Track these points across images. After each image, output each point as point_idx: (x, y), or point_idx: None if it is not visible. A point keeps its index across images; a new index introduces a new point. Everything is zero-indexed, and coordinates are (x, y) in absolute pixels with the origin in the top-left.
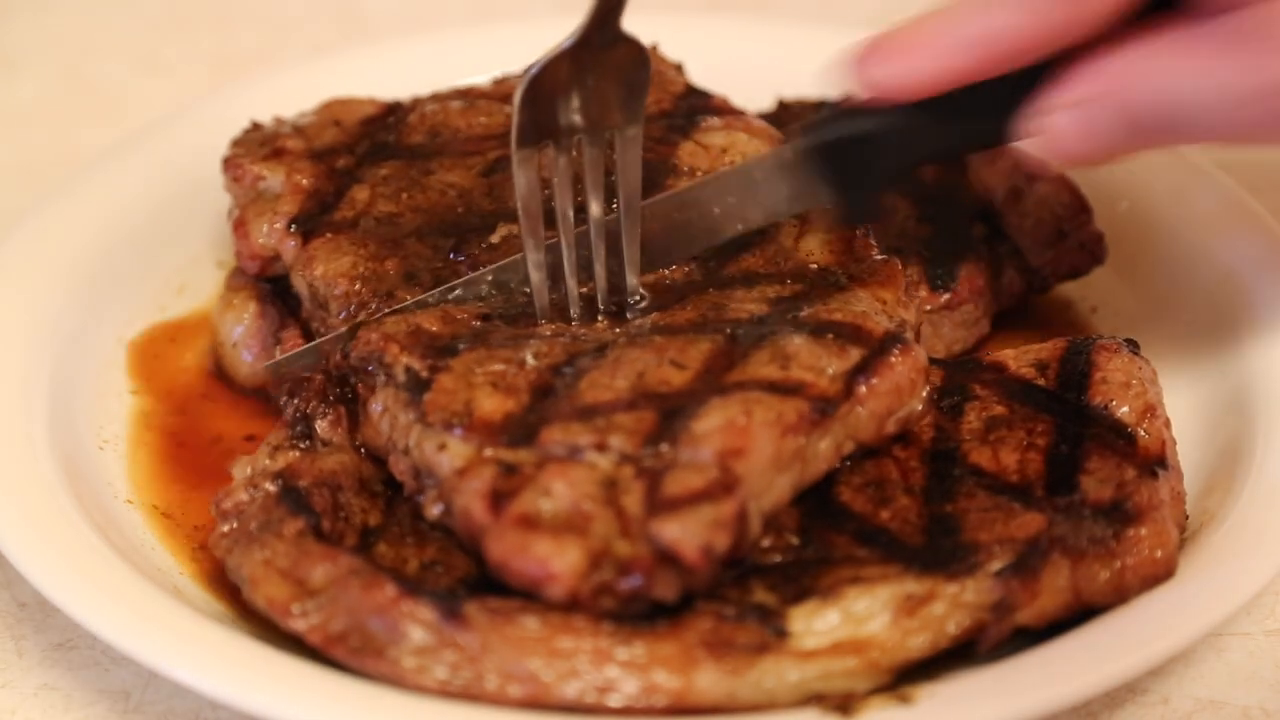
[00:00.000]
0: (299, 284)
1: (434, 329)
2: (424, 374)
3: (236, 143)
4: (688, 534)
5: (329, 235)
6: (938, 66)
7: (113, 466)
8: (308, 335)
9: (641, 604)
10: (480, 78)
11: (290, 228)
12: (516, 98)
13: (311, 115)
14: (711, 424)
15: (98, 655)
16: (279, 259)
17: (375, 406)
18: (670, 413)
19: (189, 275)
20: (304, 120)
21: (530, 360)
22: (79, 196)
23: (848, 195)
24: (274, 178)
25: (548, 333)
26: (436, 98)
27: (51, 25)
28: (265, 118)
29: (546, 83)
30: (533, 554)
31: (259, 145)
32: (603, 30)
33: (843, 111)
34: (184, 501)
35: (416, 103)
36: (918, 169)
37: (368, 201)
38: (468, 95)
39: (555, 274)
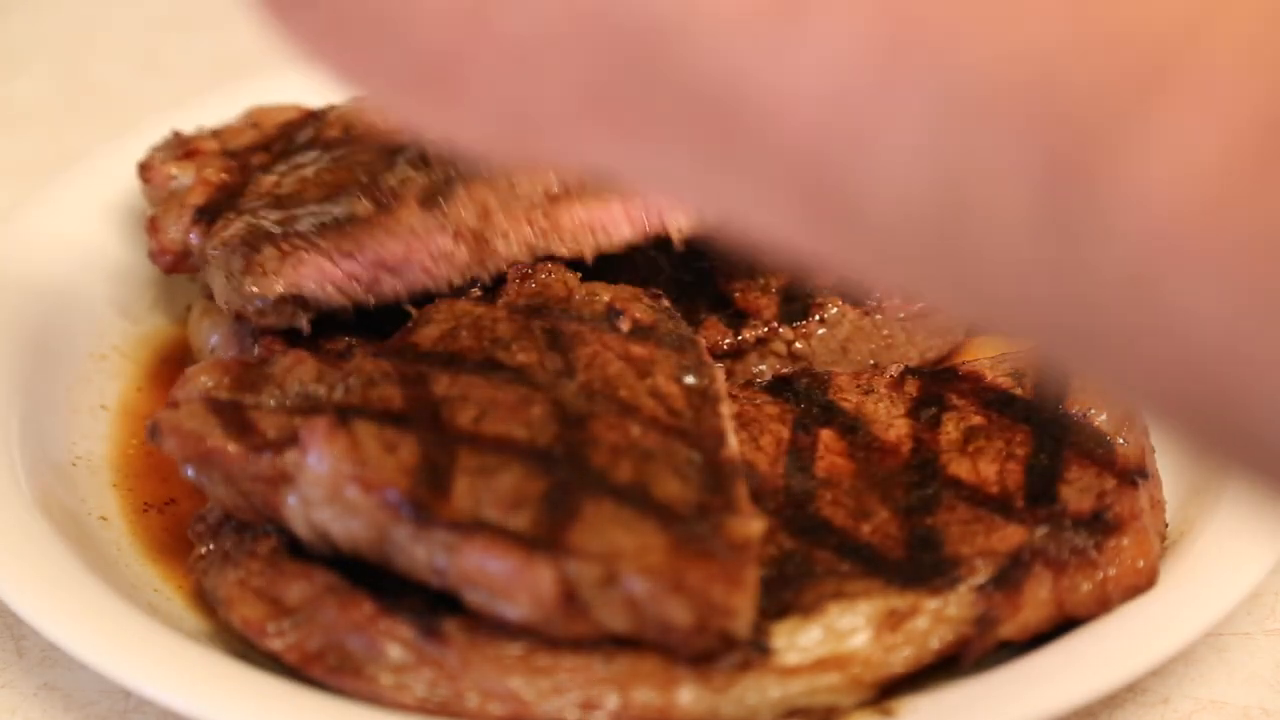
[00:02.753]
0: (212, 277)
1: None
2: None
3: (155, 149)
4: None
5: (231, 216)
6: None
7: (85, 483)
8: (288, 335)
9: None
10: None
11: (197, 218)
12: None
13: (233, 122)
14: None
15: None
16: (190, 254)
17: None
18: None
19: (161, 289)
20: (223, 126)
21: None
22: (48, 207)
23: None
24: (185, 176)
25: None
26: (354, 100)
27: (51, 25)
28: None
29: None
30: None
31: (175, 148)
32: None
33: None
34: (159, 518)
35: (334, 106)
36: None
37: (274, 184)
38: None
39: None
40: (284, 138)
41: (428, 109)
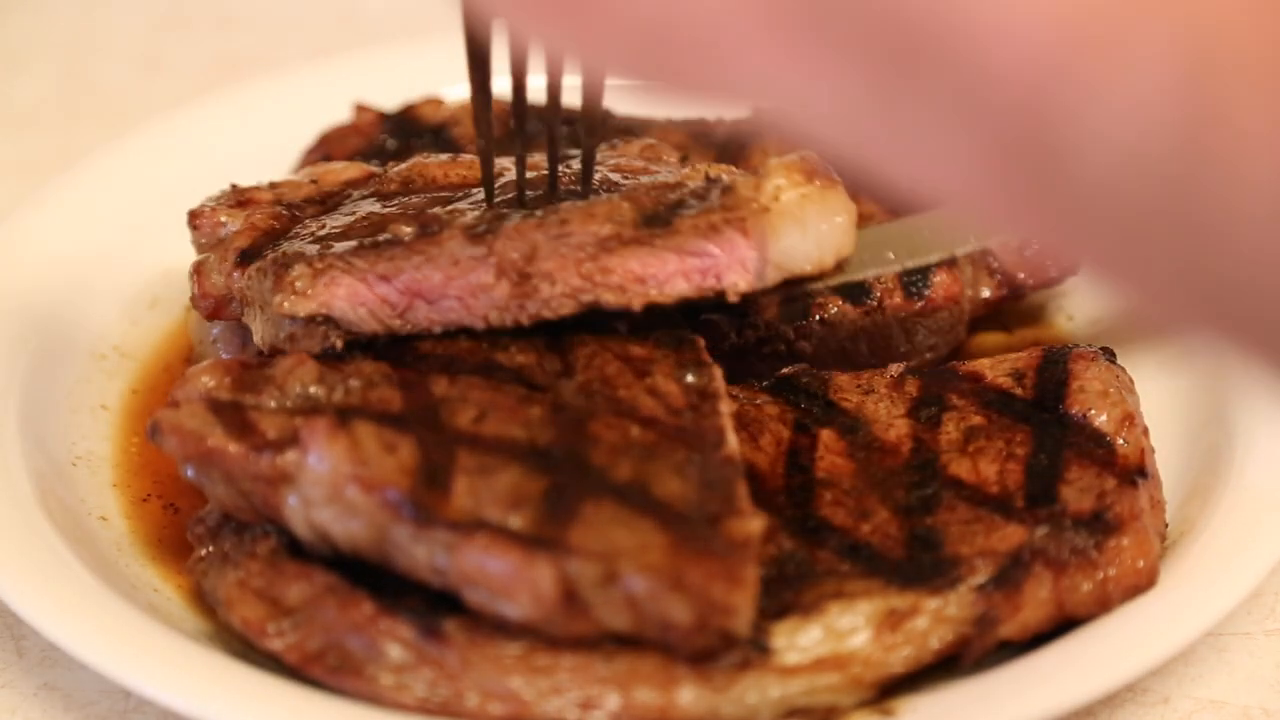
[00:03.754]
0: (250, 315)
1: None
2: None
3: (209, 198)
4: None
5: (270, 252)
6: None
7: (85, 483)
8: None
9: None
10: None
11: (239, 261)
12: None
13: (293, 176)
14: None
15: None
16: (232, 300)
17: None
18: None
19: (161, 288)
20: (282, 180)
21: None
22: (48, 207)
23: None
24: (233, 223)
25: None
26: (420, 155)
27: (51, 25)
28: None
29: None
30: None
31: (229, 198)
32: None
33: None
34: (159, 519)
35: (398, 162)
36: None
37: (317, 227)
38: (454, 156)
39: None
40: (340, 194)
41: (573, 21)
